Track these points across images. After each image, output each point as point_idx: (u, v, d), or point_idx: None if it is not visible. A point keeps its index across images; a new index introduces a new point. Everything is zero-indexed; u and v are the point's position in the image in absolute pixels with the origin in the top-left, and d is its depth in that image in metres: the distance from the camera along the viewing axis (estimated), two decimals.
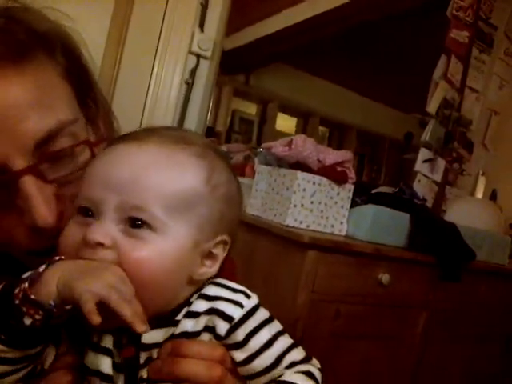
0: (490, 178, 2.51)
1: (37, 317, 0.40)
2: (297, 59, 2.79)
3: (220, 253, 0.51)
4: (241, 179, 0.60)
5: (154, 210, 0.45)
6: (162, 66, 1.56)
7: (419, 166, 2.17)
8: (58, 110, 0.49)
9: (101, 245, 0.44)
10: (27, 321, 0.40)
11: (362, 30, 2.56)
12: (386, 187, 2.01)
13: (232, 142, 2.59)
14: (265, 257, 1.43)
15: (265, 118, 2.85)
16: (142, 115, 1.53)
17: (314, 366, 0.51)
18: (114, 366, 0.46)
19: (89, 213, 0.46)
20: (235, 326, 0.47)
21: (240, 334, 0.47)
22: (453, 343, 1.69)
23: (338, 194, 1.47)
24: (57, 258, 0.44)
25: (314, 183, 1.42)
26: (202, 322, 0.48)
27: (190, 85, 1.61)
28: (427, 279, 1.58)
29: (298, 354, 0.51)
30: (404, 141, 2.42)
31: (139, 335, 0.45)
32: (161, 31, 1.56)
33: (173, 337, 0.47)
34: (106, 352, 0.46)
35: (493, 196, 2.43)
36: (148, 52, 1.55)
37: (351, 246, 1.40)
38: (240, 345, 0.48)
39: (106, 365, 0.46)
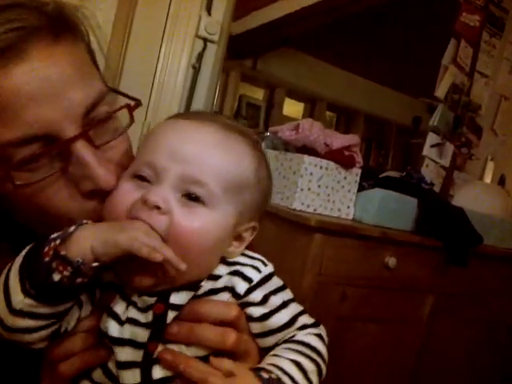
0: (498, 163, 2.49)
1: (65, 273, 0.43)
2: (304, 44, 2.76)
3: (248, 236, 0.55)
4: None
5: (212, 186, 0.48)
6: (169, 50, 1.55)
7: (427, 150, 2.15)
8: (96, 81, 0.53)
9: (158, 208, 0.46)
10: (56, 277, 0.43)
11: (369, 14, 2.53)
12: (393, 172, 2.00)
13: None
14: (272, 240, 1.44)
15: (272, 103, 2.84)
16: (149, 99, 1.53)
17: (322, 331, 0.55)
18: (141, 324, 0.48)
19: (146, 178, 0.49)
20: (254, 287, 0.51)
21: (258, 295, 0.51)
22: (459, 328, 1.70)
23: (345, 178, 1.46)
24: (84, 221, 0.46)
25: (320, 167, 1.42)
26: (221, 282, 0.51)
27: (196, 69, 1.61)
28: (434, 263, 1.58)
29: (308, 318, 0.54)
30: (412, 125, 2.40)
31: (168, 295, 0.48)
32: (167, 15, 1.55)
33: (195, 297, 0.50)
34: (115, 316, 0.48)
35: (501, 181, 2.41)
36: (154, 36, 1.55)
37: (358, 230, 1.40)
38: (258, 303, 0.51)
39: (113, 328, 0.48)
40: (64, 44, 0.49)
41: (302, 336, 0.52)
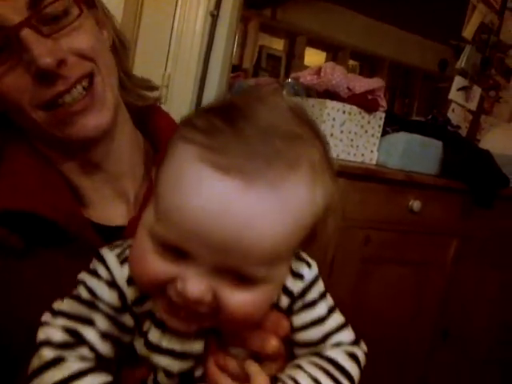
0: None
1: None
2: None
3: None
4: None
5: (257, 269, 0.40)
6: None
7: (453, 94, 2.09)
8: None
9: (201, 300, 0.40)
10: None
11: None
12: (418, 118, 1.96)
13: None
14: None
15: (293, 53, 2.78)
16: (168, 50, 1.52)
17: (360, 349, 0.50)
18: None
19: (179, 252, 0.40)
20: (295, 299, 0.48)
21: (298, 305, 0.49)
22: (483, 271, 1.70)
23: (369, 122, 1.45)
24: None
25: (343, 112, 1.40)
26: None
27: (215, 17, 1.58)
28: (459, 206, 1.57)
29: (347, 334, 0.50)
30: (438, 68, 2.32)
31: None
32: None
33: None
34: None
35: None
36: None
37: (382, 173, 1.40)
38: (294, 313, 0.49)
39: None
40: None
41: (331, 351, 0.48)
